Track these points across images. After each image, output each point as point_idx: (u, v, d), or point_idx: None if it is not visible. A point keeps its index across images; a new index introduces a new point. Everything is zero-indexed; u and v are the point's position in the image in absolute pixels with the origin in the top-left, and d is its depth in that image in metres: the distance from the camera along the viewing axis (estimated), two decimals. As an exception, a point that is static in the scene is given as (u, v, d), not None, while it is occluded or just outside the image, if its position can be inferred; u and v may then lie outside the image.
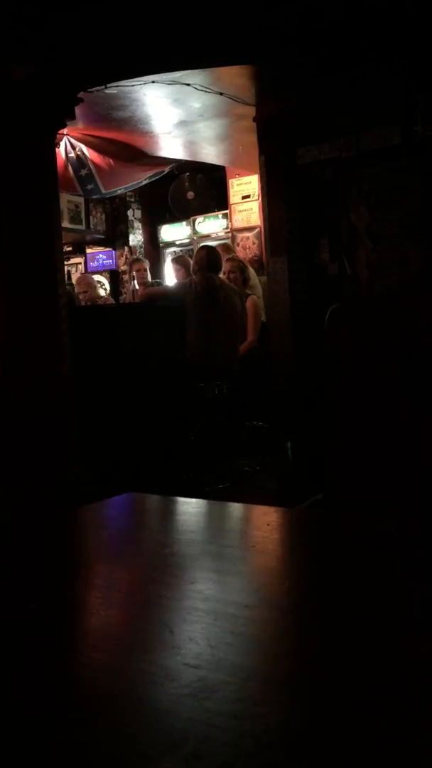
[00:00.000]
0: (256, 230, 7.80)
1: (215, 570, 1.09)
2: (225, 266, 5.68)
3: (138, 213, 9.39)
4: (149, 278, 7.14)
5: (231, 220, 8.22)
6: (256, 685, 0.73)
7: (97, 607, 1.00)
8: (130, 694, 0.72)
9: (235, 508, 1.55)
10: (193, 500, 1.51)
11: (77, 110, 4.36)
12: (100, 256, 9.44)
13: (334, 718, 0.66)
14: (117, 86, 4.45)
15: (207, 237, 8.56)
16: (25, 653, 0.84)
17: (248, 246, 7.96)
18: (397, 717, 0.66)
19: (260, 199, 6.38)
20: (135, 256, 8.58)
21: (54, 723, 0.69)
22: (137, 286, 6.77)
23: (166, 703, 0.69)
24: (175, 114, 5.21)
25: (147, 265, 7.29)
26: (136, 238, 9.32)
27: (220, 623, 0.86)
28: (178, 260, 6.69)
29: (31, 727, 0.68)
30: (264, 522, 1.40)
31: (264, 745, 0.62)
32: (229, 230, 8.30)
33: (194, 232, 8.85)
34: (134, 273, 6.92)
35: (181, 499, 1.53)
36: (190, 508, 1.50)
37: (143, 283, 6.74)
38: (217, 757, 0.60)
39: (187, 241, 8.98)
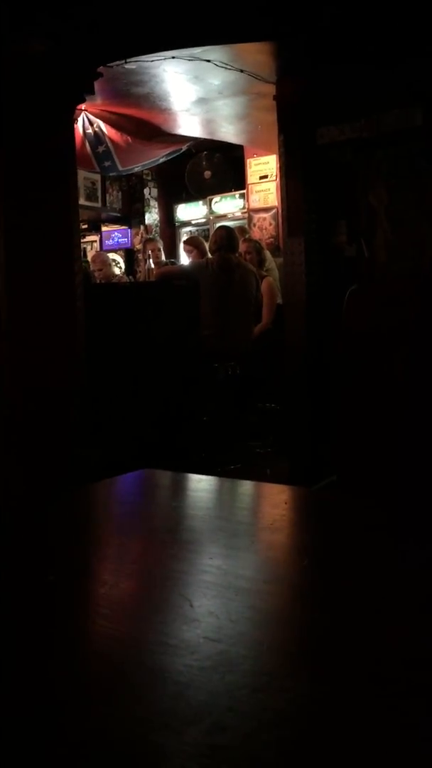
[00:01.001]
0: (273, 211, 7.75)
1: (234, 546, 1.09)
2: (241, 247, 5.65)
3: (154, 191, 9.34)
4: (163, 258, 7.13)
5: (248, 201, 8.16)
6: (278, 660, 0.73)
7: (116, 581, 1.01)
8: (151, 666, 0.72)
9: (251, 486, 1.55)
10: (210, 477, 1.51)
11: (96, 85, 4.32)
12: (115, 234, 9.41)
13: (355, 694, 0.66)
14: (137, 61, 4.40)
15: (223, 217, 8.51)
16: (46, 624, 0.85)
17: (265, 227, 7.91)
18: (420, 697, 0.66)
19: (278, 179, 6.33)
20: (149, 236, 8.55)
21: (74, 693, 0.69)
22: (152, 265, 6.76)
23: (188, 676, 0.69)
24: (193, 91, 5.15)
25: (160, 244, 7.28)
26: (152, 216, 9.28)
27: (240, 598, 0.86)
28: (190, 241, 6.66)
29: (51, 697, 0.68)
30: (281, 500, 1.39)
31: (287, 718, 0.62)
32: (245, 210, 8.24)
33: (210, 211, 8.81)
34: (149, 252, 6.92)
35: (197, 476, 1.53)
36: (206, 485, 1.50)
37: (157, 262, 6.73)
38: (240, 729, 0.60)
39: (203, 220, 8.94)
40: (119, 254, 9.14)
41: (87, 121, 6.09)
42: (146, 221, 9.17)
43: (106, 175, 8.21)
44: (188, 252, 6.49)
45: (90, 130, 6.13)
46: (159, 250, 7.05)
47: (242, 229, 6.91)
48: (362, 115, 4.28)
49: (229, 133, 6.52)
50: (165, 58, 4.35)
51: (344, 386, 1.95)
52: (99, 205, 8.82)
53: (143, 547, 1.13)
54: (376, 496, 1.65)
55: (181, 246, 8.80)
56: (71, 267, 3.90)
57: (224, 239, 5.15)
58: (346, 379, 1.94)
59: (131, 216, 9.32)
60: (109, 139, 6.21)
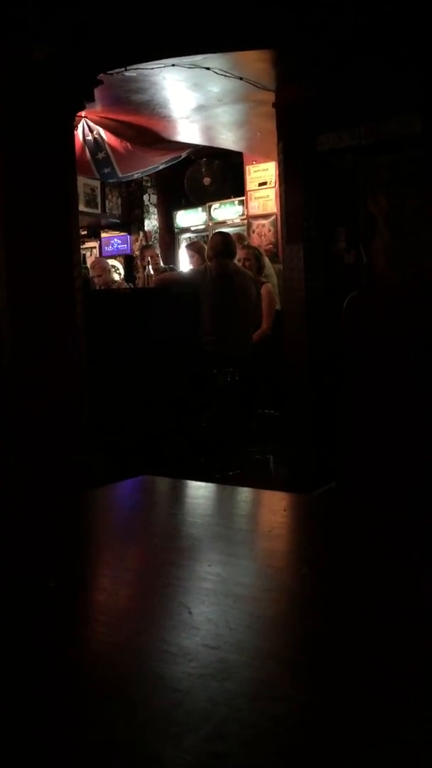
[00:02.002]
0: (272, 217, 7.76)
1: (232, 554, 1.09)
2: (240, 253, 5.66)
3: (154, 198, 9.36)
4: (161, 264, 7.11)
5: (247, 207, 8.18)
6: (277, 668, 0.73)
7: (115, 587, 1.01)
8: (149, 673, 0.72)
9: (251, 493, 1.55)
10: (209, 484, 1.51)
11: (96, 93, 4.33)
12: (115, 240, 9.42)
13: (355, 703, 0.66)
14: (137, 69, 4.42)
15: (222, 223, 8.52)
16: (45, 630, 0.85)
17: (264, 233, 7.93)
18: (419, 704, 0.66)
19: (277, 186, 6.33)
20: (147, 243, 8.53)
21: (73, 700, 0.69)
22: (152, 272, 6.76)
23: (186, 683, 0.69)
24: (193, 98, 5.17)
25: (158, 251, 7.26)
26: (151, 223, 9.30)
27: (239, 606, 0.87)
28: (192, 246, 6.66)
29: (50, 704, 0.68)
30: (280, 507, 1.40)
31: (286, 726, 0.62)
32: (244, 217, 8.26)
33: (210, 218, 8.82)
34: (149, 259, 6.90)
35: (197, 483, 1.53)
36: (205, 492, 1.50)
37: (156, 268, 6.71)
38: (239, 737, 0.60)
39: (203, 227, 8.95)
40: (119, 260, 9.15)
41: (87, 128, 6.10)
42: (145, 228, 9.18)
43: (105, 182, 8.22)
44: (190, 257, 6.49)
45: (90, 137, 6.14)
46: (157, 256, 7.05)
47: (240, 236, 6.92)
48: (362, 122, 4.30)
49: (228, 140, 6.54)
50: (165, 66, 4.37)
51: (348, 394, 1.95)
52: (98, 211, 8.83)
53: (142, 554, 1.13)
54: (383, 503, 1.65)
55: (180, 252, 8.84)
56: (71, 273, 3.91)
57: (220, 245, 5.15)
58: (350, 387, 1.94)
59: (131, 222, 9.33)
60: (109, 145, 6.23)
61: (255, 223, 8.04)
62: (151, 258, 6.86)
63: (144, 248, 7.46)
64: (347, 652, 0.76)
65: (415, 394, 1.70)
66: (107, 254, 9.28)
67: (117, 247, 9.40)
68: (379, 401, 1.78)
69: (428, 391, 1.67)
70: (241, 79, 4.63)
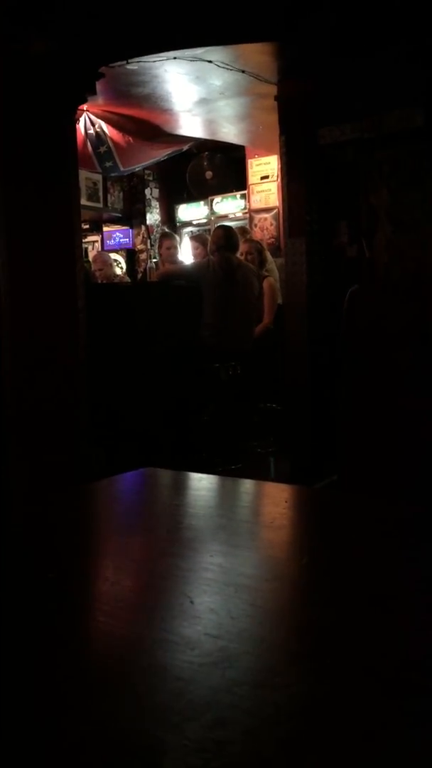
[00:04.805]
0: (274, 211, 7.74)
1: (234, 544, 1.10)
2: (242, 247, 5.64)
3: (156, 192, 9.34)
4: (178, 257, 6.75)
5: (249, 201, 8.16)
6: (278, 657, 0.73)
7: (117, 578, 1.01)
8: (152, 662, 0.72)
9: (252, 485, 1.55)
10: (211, 476, 1.51)
11: (98, 86, 4.32)
12: (117, 234, 9.41)
13: (354, 692, 0.66)
14: (138, 62, 4.41)
15: (224, 217, 8.51)
16: (46, 621, 0.85)
17: (266, 227, 7.91)
18: (419, 693, 0.66)
19: (279, 179, 6.31)
20: (165, 230, 7.89)
21: (76, 689, 0.69)
22: (152, 264, 6.66)
23: (189, 672, 0.69)
24: (195, 91, 5.16)
25: (177, 242, 6.71)
26: (153, 217, 9.28)
27: (240, 595, 0.87)
28: (197, 238, 6.60)
29: (53, 693, 0.69)
30: (281, 499, 1.40)
31: (287, 714, 0.62)
32: (246, 211, 8.24)
33: (212, 212, 8.80)
34: (164, 249, 6.48)
35: (198, 475, 1.53)
36: (207, 483, 1.51)
37: (172, 261, 6.38)
38: (240, 725, 0.60)
39: (205, 221, 8.93)
40: (120, 254, 9.14)
41: (89, 122, 6.09)
42: (147, 221, 9.16)
43: (107, 176, 8.20)
44: (194, 248, 6.42)
45: (92, 131, 6.13)
46: (175, 248, 6.50)
47: (243, 230, 6.86)
48: (363, 116, 4.29)
49: (230, 133, 6.52)
50: (167, 59, 4.36)
51: (349, 386, 1.95)
52: (100, 205, 8.81)
53: (144, 545, 1.14)
54: (383, 495, 1.66)
55: (184, 244, 8.79)
56: (73, 267, 3.90)
57: (222, 239, 5.13)
58: (351, 380, 1.94)
59: (132, 216, 9.31)
60: (111, 139, 6.21)
61: (257, 216, 8.02)
62: (167, 249, 6.46)
63: (163, 236, 6.81)
64: (348, 641, 0.77)
65: (414, 387, 1.70)
66: (109, 248, 9.26)
67: (119, 241, 9.39)
68: (379, 394, 1.78)
69: (428, 384, 1.67)
70: (242, 72, 4.62)
